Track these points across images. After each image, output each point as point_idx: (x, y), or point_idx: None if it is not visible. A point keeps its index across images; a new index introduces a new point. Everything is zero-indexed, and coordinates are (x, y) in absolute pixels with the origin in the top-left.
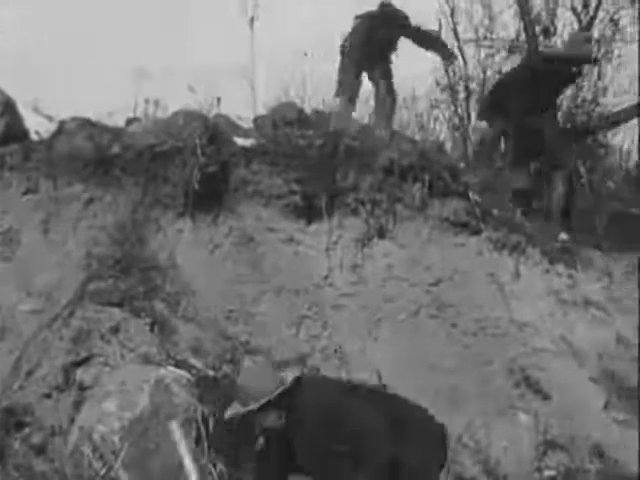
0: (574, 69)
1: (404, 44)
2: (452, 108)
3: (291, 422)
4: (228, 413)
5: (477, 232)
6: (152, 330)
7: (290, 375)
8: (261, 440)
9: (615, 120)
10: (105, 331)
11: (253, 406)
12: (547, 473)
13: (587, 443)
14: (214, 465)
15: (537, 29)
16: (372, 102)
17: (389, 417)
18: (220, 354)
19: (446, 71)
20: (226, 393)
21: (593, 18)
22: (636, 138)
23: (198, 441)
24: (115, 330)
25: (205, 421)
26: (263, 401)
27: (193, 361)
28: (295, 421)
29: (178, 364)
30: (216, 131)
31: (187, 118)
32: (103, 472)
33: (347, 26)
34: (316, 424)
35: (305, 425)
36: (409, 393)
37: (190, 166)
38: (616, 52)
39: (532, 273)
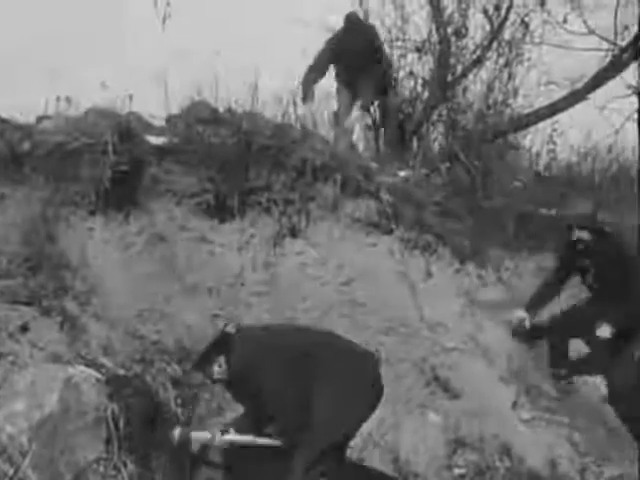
0: None
1: None
2: None
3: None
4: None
5: (389, 232)
6: (62, 329)
7: None
8: None
9: (526, 122)
10: (14, 330)
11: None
12: (457, 471)
13: (496, 442)
14: (124, 464)
15: (449, 30)
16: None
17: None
18: (131, 353)
19: None
20: (137, 392)
21: (504, 20)
22: (546, 140)
23: (109, 440)
24: (24, 329)
25: (115, 420)
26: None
27: (103, 360)
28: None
29: (88, 363)
30: (128, 129)
31: (99, 116)
32: (11, 473)
33: (258, 26)
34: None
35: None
36: None
37: (101, 164)
38: (526, 54)
39: (443, 273)
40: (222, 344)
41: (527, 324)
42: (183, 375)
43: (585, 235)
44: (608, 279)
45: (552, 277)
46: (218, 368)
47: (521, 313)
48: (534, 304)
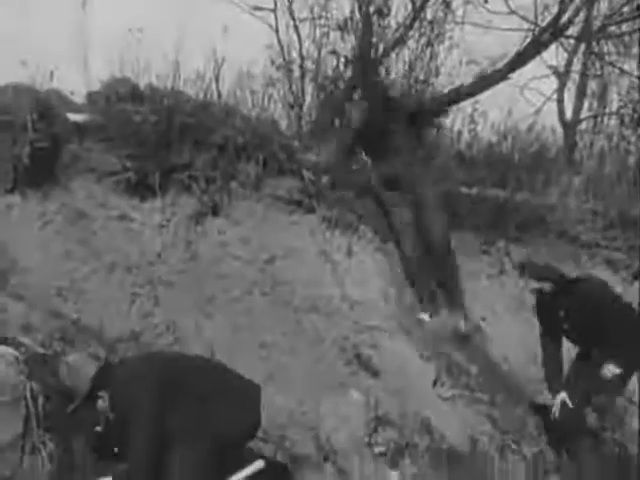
0: None
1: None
2: (287, 86)
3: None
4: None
5: (311, 211)
6: None
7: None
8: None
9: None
10: None
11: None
12: (377, 449)
13: (417, 419)
14: (43, 444)
15: (371, 9)
16: None
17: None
18: (50, 332)
19: (281, 48)
20: (56, 371)
21: (426, 0)
22: (467, 119)
23: (27, 419)
24: None
25: (34, 399)
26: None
27: (22, 339)
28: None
29: (7, 342)
30: (47, 106)
31: (17, 92)
32: None
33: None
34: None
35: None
36: (241, 370)
37: (20, 141)
38: (448, 34)
39: (364, 252)
40: (103, 377)
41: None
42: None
43: (547, 287)
44: (585, 329)
45: (546, 344)
46: (102, 403)
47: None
48: (553, 381)
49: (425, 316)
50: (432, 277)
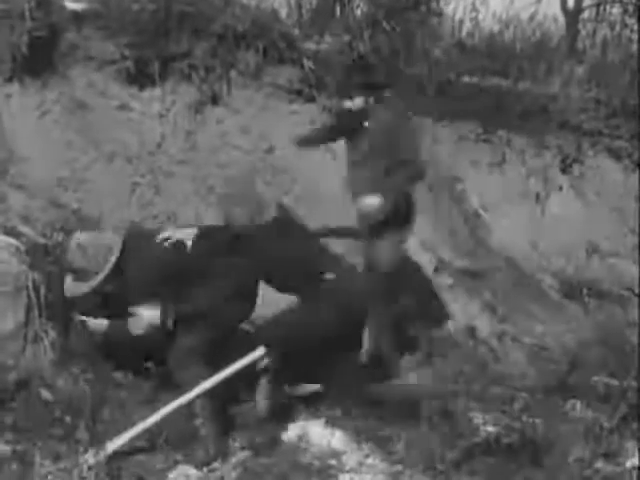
0: None
1: None
2: None
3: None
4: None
5: (311, 100)
6: None
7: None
8: None
9: None
10: None
11: (92, 283)
12: None
13: None
14: (45, 332)
15: None
16: None
17: None
18: (51, 222)
19: None
20: (58, 261)
21: None
22: (468, 7)
23: (29, 308)
24: None
25: (36, 289)
26: (100, 278)
27: (23, 229)
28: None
29: (7, 232)
30: None
31: None
32: None
33: None
34: None
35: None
36: None
37: (18, 30)
38: None
39: None
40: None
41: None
42: None
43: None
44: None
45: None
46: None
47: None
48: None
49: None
50: None
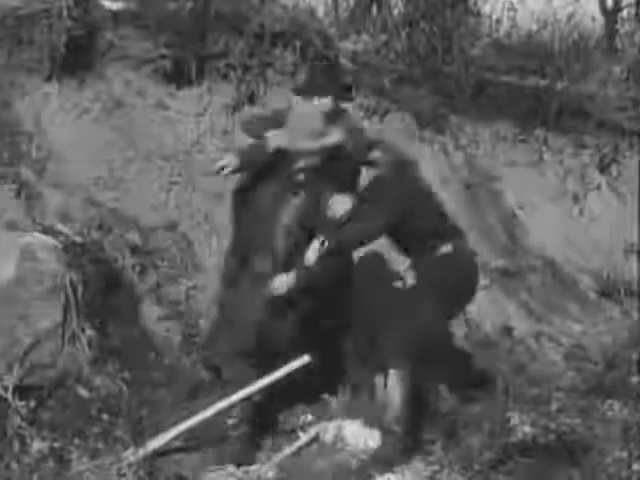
0: None
1: None
2: None
3: None
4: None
5: (348, 98)
6: (18, 196)
7: None
8: None
9: None
10: None
11: None
12: None
13: None
14: (82, 331)
15: None
16: None
17: None
18: (88, 221)
19: None
20: (95, 260)
21: None
22: (506, 6)
23: (66, 308)
24: None
25: (73, 288)
26: None
27: (61, 227)
28: None
29: (45, 230)
30: None
31: None
32: None
33: None
34: None
35: None
36: None
37: (56, 29)
38: None
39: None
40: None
41: None
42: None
43: None
44: None
45: None
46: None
47: None
48: None
49: None
50: None
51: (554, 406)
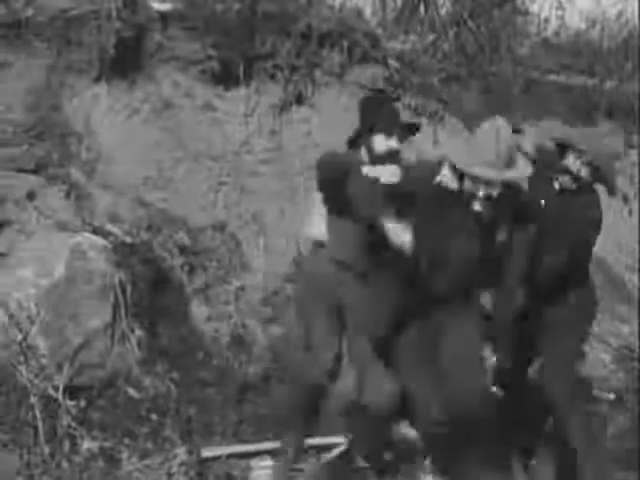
0: None
1: None
2: None
3: None
4: None
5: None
6: (68, 197)
7: None
8: None
9: None
10: (20, 197)
11: None
12: None
13: None
14: (132, 330)
15: None
16: None
17: None
18: (137, 221)
19: None
20: (144, 259)
21: None
22: (554, 5)
23: (116, 307)
24: (30, 196)
25: (123, 288)
26: None
27: (110, 228)
28: None
29: (95, 231)
30: None
31: None
32: (19, 339)
33: None
34: None
35: None
36: None
37: (105, 31)
38: None
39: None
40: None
41: None
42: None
43: None
44: None
45: None
46: None
47: None
48: None
49: None
50: None
51: (603, 406)
